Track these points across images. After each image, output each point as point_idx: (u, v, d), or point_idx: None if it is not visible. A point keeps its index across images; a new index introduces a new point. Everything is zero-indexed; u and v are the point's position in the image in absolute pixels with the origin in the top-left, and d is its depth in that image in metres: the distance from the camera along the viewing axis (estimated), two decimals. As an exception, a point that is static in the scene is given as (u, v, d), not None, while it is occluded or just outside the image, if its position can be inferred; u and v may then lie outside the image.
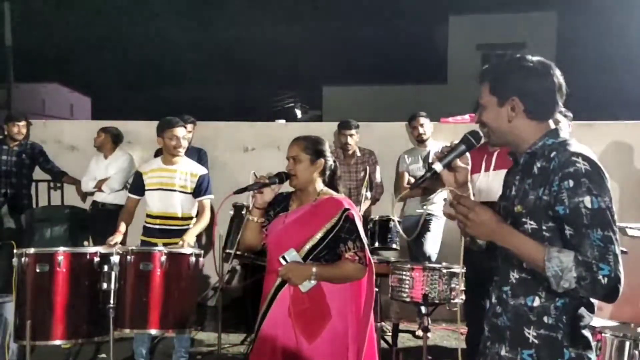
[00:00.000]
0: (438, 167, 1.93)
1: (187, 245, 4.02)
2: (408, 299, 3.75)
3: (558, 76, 1.88)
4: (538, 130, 1.89)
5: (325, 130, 6.15)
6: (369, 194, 5.55)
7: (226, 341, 5.22)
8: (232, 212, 4.93)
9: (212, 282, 6.39)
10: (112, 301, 3.45)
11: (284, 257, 2.70)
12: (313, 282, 2.68)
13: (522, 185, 1.90)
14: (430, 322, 3.87)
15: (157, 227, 4.27)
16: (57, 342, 3.48)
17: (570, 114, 4.29)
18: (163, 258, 3.56)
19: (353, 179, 5.81)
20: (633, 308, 4.71)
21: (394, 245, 5.19)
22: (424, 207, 5.64)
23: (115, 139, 5.88)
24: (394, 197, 6.14)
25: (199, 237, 4.58)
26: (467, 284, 3.75)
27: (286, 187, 2.92)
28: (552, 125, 1.91)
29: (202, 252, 3.79)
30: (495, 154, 3.94)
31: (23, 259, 3.42)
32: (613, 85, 15.93)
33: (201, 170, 4.39)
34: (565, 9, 19.55)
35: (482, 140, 1.96)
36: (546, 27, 19.44)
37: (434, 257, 5.28)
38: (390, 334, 4.78)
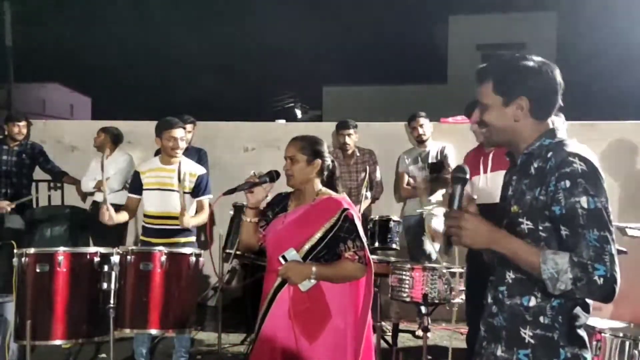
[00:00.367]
0: (459, 190, 1.86)
1: (187, 221, 4.06)
2: (408, 299, 3.76)
3: (559, 76, 1.89)
4: (537, 129, 1.90)
5: (325, 130, 6.15)
6: (369, 194, 5.55)
7: (226, 341, 5.22)
8: (232, 212, 4.94)
9: (212, 282, 6.39)
10: (112, 301, 3.44)
11: (283, 257, 2.70)
12: (313, 282, 2.68)
13: (519, 185, 1.90)
14: (430, 322, 3.87)
15: (155, 227, 4.26)
16: (57, 342, 3.47)
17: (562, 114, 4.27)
18: (163, 258, 3.56)
19: (353, 179, 5.81)
20: (633, 308, 4.71)
21: (394, 245, 5.19)
22: (424, 206, 5.65)
23: (115, 139, 5.88)
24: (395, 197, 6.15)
25: (198, 237, 4.57)
26: (467, 284, 3.75)
27: (286, 187, 2.92)
28: (550, 125, 1.91)
29: (202, 252, 3.79)
30: (491, 155, 3.94)
31: (23, 259, 3.42)
32: (613, 85, 15.92)
33: (200, 170, 4.39)
34: (565, 9, 19.55)
35: (468, 175, 1.91)
36: (546, 27, 19.42)
37: (434, 256, 5.28)
38: (390, 334, 4.78)
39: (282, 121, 7.29)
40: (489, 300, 2.00)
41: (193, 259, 3.68)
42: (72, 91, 32.33)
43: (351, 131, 5.83)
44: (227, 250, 4.84)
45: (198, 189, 4.29)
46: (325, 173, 2.88)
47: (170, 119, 4.36)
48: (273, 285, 2.79)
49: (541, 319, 1.83)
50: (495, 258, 1.97)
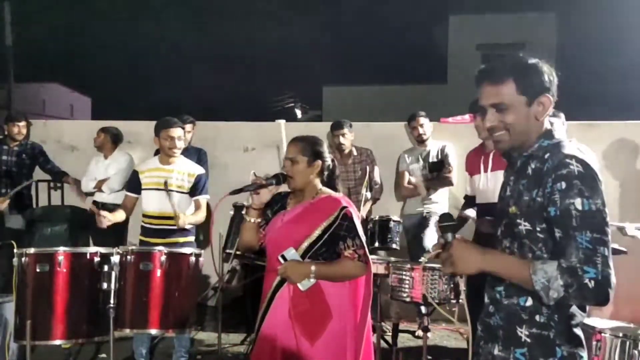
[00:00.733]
0: (450, 237, 1.90)
1: (183, 220, 4.07)
2: (408, 299, 3.76)
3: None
4: (537, 130, 1.89)
5: (325, 130, 6.15)
6: (369, 195, 5.55)
7: (226, 341, 5.22)
8: (232, 212, 4.94)
9: (212, 282, 6.39)
10: (112, 301, 3.44)
11: (283, 256, 2.70)
12: (312, 281, 2.68)
13: (517, 186, 1.90)
14: (430, 322, 3.87)
15: (154, 227, 4.26)
16: (57, 342, 3.47)
17: (562, 115, 4.27)
18: (163, 258, 3.56)
19: (351, 179, 5.80)
20: (633, 308, 4.71)
21: (394, 245, 5.19)
22: (425, 205, 5.66)
23: (115, 139, 5.88)
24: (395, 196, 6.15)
25: (198, 237, 4.57)
26: (469, 283, 3.75)
27: (285, 187, 2.92)
28: (548, 125, 1.91)
29: (202, 252, 3.79)
30: (492, 155, 3.95)
31: (23, 259, 3.42)
32: (613, 85, 15.92)
33: (198, 169, 4.40)
34: (565, 9, 19.54)
35: (454, 220, 1.96)
36: (546, 27, 19.40)
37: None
38: (390, 334, 4.78)
39: (282, 121, 7.28)
40: (486, 300, 2.01)
41: (193, 259, 3.68)
42: (72, 91, 32.32)
43: (345, 131, 5.82)
44: (227, 250, 4.84)
45: (196, 188, 4.30)
46: (326, 173, 2.88)
47: (168, 119, 4.37)
48: (272, 285, 2.79)
49: (537, 317, 1.83)
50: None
